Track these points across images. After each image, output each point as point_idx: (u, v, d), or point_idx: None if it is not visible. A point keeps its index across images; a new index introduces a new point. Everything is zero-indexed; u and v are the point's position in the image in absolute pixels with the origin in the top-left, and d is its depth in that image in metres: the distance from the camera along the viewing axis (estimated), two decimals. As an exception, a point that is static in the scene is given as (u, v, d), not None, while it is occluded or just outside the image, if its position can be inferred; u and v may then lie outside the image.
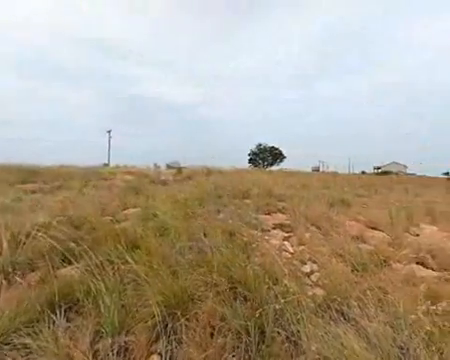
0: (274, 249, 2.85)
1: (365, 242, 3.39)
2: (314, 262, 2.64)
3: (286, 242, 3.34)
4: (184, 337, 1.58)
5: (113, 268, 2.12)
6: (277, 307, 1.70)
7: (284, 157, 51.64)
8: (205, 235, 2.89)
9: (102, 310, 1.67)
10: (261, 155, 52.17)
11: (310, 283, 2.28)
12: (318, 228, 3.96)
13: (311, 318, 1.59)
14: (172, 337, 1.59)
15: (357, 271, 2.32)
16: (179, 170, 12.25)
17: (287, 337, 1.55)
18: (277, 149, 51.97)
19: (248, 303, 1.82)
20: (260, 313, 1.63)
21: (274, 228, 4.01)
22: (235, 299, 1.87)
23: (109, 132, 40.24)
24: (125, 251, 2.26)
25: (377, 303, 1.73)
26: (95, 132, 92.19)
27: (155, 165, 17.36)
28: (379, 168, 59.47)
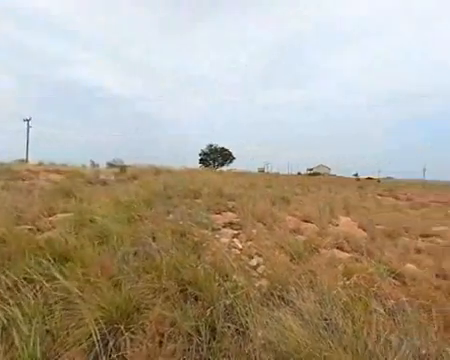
0: (224, 247, 2.95)
1: (301, 234, 3.92)
2: (260, 256, 2.87)
3: (235, 239, 3.50)
4: (129, 352, 1.44)
5: (34, 288, 1.73)
6: (227, 302, 1.76)
7: (234, 158, 54.07)
8: (154, 238, 2.72)
9: (17, 342, 1.34)
10: (212, 155, 53.11)
11: (256, 275, 2.46)
12: (263, 224, 4.32)
13: (258, 308, 1.72)
14: (114, 355, 1.42)
15: (294, 259, 2.66)
16: (123, 169, 11.08)
17: (236, 330, 1.62)
18: (227, 150, 53.96)
19: (199, 303, 1.82)
20: (211, 311, 1.65)
21: (224, 227, 4.14)
22: (186, 301, 1.84)
23: (27, 121, 32.75)
24: (52, 265, 1.88)
25: (309, 285, 2.03)
26: (13, 122, 72.86)
27: (92, 163, 15.19)
28: (311, 170, 69.99)
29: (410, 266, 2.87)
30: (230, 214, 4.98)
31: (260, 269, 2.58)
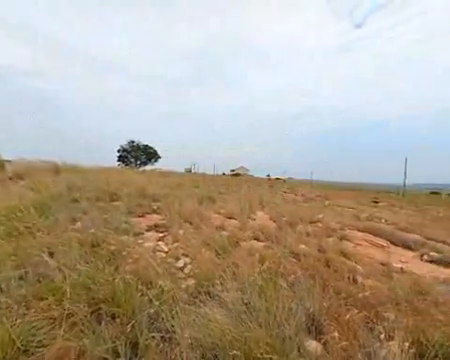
0: (148, 252, 2.73)
1: (225, 230, 4.22)
2: (187, 256, 2.85)
3: (161, 242, 3.32)
4: None
5: None
6: (152, 311, 1.64)
7: (159, 157, 51.07)
8: (51, 254, 2.14)
9: None
10: (133, 153, 47.89)
11: (183, 276, 2.44)
12: (190, 224, 4.34)
13: (184, 309, 1.70)
14: None
15: (219, 255, 2.83)
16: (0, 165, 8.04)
17: (162, 337, 1.54)
18: (152, 148, 50.25)
19: (117, 320, 1.59)
20: (132, 325, 1.49)
21: (148, 230, 3.84)
22: (100, 322, 1.56)
23: None
24: None
25: (232, 276, 2.22)
26: None
27: None
28: (233, 171, 76.90)
29: (303, 246, 3.70)
30: (155, 216, 4.67)
31: (187, 269, 2.57)
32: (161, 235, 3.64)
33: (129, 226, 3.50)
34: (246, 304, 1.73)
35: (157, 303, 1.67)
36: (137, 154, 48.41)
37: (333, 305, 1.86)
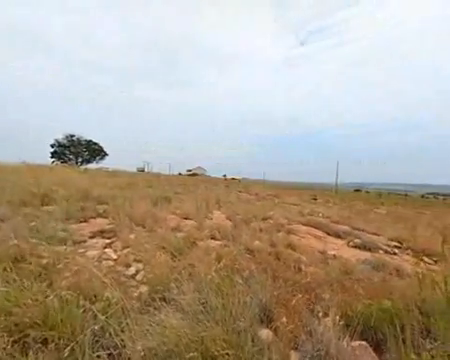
0: (92, 261, 2.42)
1: (181, 231, 4.11)
2: (139, 261, 2.65)
3: (108, 249, 2.99)
4: None
5: None
6: (96, 327, 1.45)
7: (106, 154, 45.72)
8: None
9: None
10: (73, 149, 41.48)
11: (135, 284, 2.26)
12: (143, 227, 4.05)
13: (137, 319, 1.58)
14: None
15: (176, 257, 2.74)
16: None
17: (109, 354, 1.39)
18: (96, 144, 44.56)
19: (51, 345, 1.35)
20: (72, 348, 1.28)
21: (92, 236, 3.40)
22: (26, 353, 1.29)
23: None
24: None
25: (189, 277, 2.18)
26: None
27: None
28: (190, 171, 75.76)
29: (257, 242, 3.95)
30: (101, 221, 4.18)
31: (139, 276, 2.39)
32: (108, 241, 3.27)
33: (67, 234, 3.02)
34: (203, 304, 1.73)
35: (103, 317, 1.49)
36: (78, 150, 42.18)
37: (282, 293, 2.05)
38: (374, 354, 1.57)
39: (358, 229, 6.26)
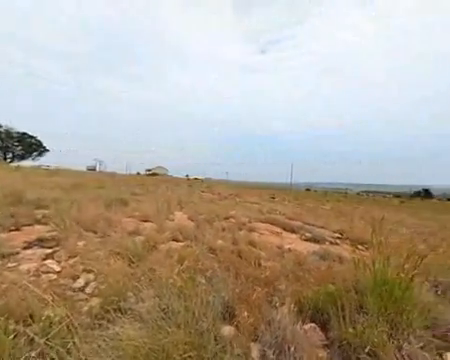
0: (28, 276, 2.04)
1: (140, 234, 3.84)
2: (89, 271, 2.37)
3: (49, 260, 2.58)
4: None
5: None
6: (34, 354, 1.23)
7: (45, 150, 39.24)
8: None
9: None
10: (1, 143, 34.35)
11: (85, 297, 2.00)
12: (94, 232, 3.64)
13: (86, 336, 1.40)
14: None
15: (133, 263, 2.54)
16: None
17: (51, 383, 1.20)
18: (33, 137, 37.88)
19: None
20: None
21: (28, 247, 2.88)
22: None
23: None
24: None
25: (149, 283, 2.06)
26: None
27: None
28: (150, 170, 71.65)
29: (220, 242, 4.00)
30: (39, 227, 3.58)
31: (90, 288, 2.13)
32: (49, 251, 2.82)
33: (-9, 245, 2.49)
34: (164, 310, 1.66)
35: (43, 340, 1.27)
36: (6, 144, 35.16)
37: (244, 289, 2.13)
38: (321, 333, 1.78)
39: (309, 224, 7.00)
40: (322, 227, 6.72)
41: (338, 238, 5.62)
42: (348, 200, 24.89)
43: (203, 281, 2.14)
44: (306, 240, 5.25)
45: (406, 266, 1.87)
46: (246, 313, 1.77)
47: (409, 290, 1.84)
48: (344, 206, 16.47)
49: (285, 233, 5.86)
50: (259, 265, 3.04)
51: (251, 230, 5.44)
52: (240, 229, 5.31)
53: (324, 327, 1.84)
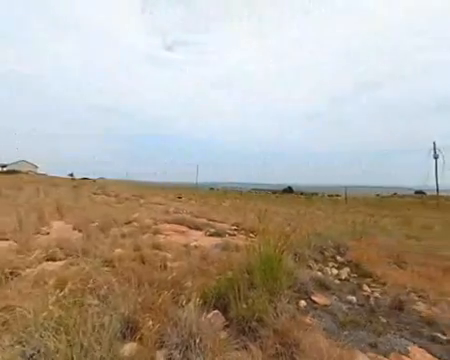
0: None
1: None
2: None
3: None
4: None
5: None
6: None
7: None
8: None
9: None
10: None
11: None
12: None
13: None
14: None
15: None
16: None
17: None
18: None
19: None
20: None
21: None
22: None
23: None
24: None
25: (3, 328, 1.43)
26: None
27: None
28: (5, 166, 50.13)
29: (118, 250, 3.49)
30: None
31: None
32: None
33: None
34: (31, 356, 1.22)
35: None
36: None
37: (148, 297, 1.98)
38: (223, 317, 1.99)
39: (212, 220, 7.64)
40: (223, 222, 7.56)
41: (235, 230, 6.53)
42: (243, 197, 29.62)
43: (96, 302, 1.77)
44: (210, 235, 5.69)
45: (279, 244, 2.49)
46: (151, 322, 1.66)
47: (281, 262, 2.46)
48: (240, 202, 19.40)
49: (191, 231, 6.05)
50: (165, 267, 2.95)
51: (156, 232, 5.17)
52: (144, 233, 4.90)
53: (225, 310, 2.07)
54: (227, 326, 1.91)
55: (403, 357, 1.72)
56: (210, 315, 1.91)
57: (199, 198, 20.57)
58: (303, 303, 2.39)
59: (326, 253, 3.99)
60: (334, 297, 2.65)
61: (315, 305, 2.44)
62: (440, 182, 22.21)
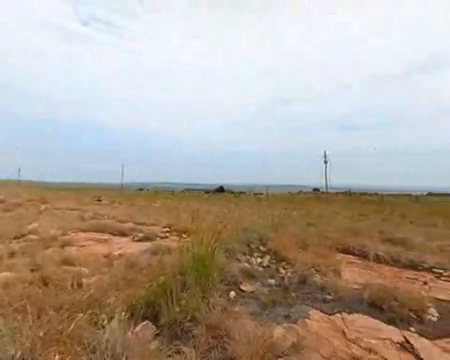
0: None
1: None
2: None
3: None
4: None
5: None
6: None
7: None
8: None
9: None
10: None
11: None
12: None
13: None
14: None
15: None
16: None
17: None
18: None
19: None
20: None
21: None
22: None
23: None
24: None
25: None
26: None
27: None
28: None
29: (4, 274, 2.61)
30: None
31: None
32: None
33: None
34: None
35: None
36: None
37: (53, 328, 1.58)
38: (153, 326, 1.86)
39: (141, 224, 6.99)
40: (154, 224, 7.07)
41: (167, 232, 6.26)
42: (175, 197, 28.74)
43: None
44: (138, 241, 5.20)
45: (211, 242, 2.58)
46: (58, 357, 1.33)
47: (213, 259, 2.55)
48: (172, 202, 18.72)
49: (115, 238, 5.32)
50: (79, 285, 2.45)
51: (66, 244, 4.23)
52: (47, 247, 3.90)
53: (156, 317, 1.94)
54: (158, 334, 1.80)
55: (306, 320, 2.17)
56: (138, 328, 1.74)
57: (125, 200, 18.34)
58: (233, 294, 2.58)
59: (252, 245, 4.47)
60: (258, 283, 3.00)
61: (243, 293, 2.68)
62: (330, 182, 29.49)
